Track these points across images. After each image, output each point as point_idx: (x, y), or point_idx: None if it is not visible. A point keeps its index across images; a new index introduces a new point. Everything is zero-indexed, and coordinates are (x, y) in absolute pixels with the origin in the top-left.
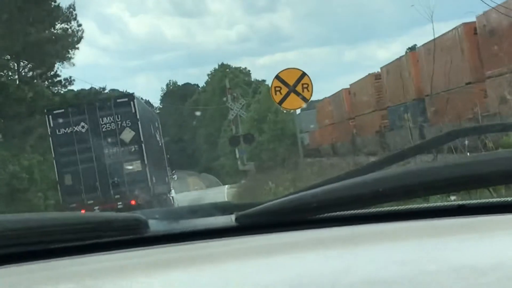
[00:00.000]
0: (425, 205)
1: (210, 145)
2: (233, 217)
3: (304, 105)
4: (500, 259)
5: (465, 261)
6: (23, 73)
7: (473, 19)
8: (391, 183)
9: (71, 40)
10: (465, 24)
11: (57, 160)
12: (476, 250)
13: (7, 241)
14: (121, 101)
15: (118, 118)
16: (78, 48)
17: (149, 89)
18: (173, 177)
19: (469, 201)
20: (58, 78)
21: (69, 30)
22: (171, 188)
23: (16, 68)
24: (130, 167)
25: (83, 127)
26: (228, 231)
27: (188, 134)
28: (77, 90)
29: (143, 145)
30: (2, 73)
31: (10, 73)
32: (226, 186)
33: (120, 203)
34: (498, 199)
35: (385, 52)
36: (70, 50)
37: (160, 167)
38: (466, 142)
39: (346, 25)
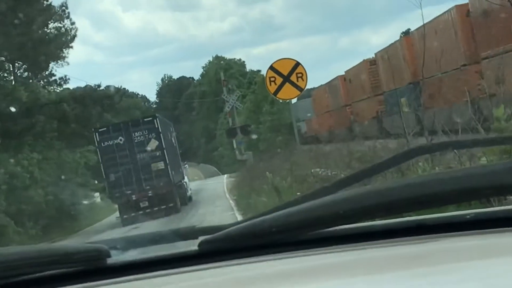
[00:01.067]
0: (383, 222)
1: (207, 137)
2: (196, 242)
3: (299, 94)
4: None
5: None
6: (18, 74)
7: (466, 0)
8: (350, 204)
9: (65, 39)
10: (457, 6)
11: (103, 164)
12: None
13: None
14: (147, 120)
15: (145, 132)
16: (72, 47)
17: (144, 84)
18: (185, 166)
19: (430, 215)
20: (54, 78)
21: (62, 29)
22: (184, 176)
23: (11, 69)
24: (156, 167)
25: (121, 140)
26: (191, 258)
27: (185, 127)
28: (73, 88)
29: (164, 150)
30: None
31: (5, 74)
32: (225, 175)
33: (150, 192)
34: (455, 214)
35: (379, 37)
36: (64, 49)
37: (176, 162)
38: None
39: (339, 12)
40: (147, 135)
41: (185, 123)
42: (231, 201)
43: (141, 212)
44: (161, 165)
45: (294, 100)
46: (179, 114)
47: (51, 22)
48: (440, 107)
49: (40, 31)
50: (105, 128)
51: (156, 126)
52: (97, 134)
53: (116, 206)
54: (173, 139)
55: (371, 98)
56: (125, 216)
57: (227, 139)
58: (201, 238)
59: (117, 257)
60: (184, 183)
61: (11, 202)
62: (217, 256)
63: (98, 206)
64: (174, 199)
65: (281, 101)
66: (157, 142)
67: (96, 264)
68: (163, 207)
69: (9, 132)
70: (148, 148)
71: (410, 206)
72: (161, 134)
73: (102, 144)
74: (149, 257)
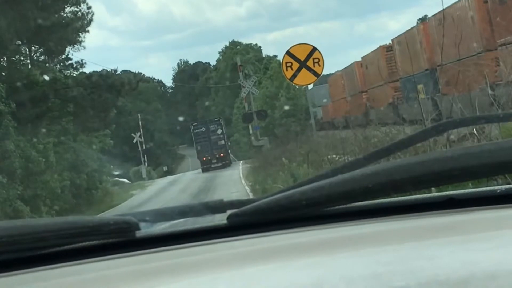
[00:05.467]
0: (414, 197)
1: (223, 121)
2: (225, 216)
3: (315, 80)
4: (472, 273)
5: (437, 274)
6: (34, 58)
7: None
8: (380, 178)
9: (81, 23)
10: None
11: (195, 141)
12: (453, 259)
13: (1, 248)
14: (216, 120)
15: (215, 125)
16: (88, 31)
17: (161, 69)
18: (229, 144)
19: (459, 191)
20: (70, 62)
21: (79, 13)
22: (228, 149)
23: (27, 52)
24: (219, 143)
25: (203, 128)
26: (220, 231)
27: (201, 112)
28: (89, 73)
29: (224, 134)
30: (14, 58)
31: (22, 58)
32: (241, 161)
33: (216, 155)
34: (489, 189)
35: (396, 23)
36: (80, 33)
37: (226, 141)
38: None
39: None
40: (216, 126)
41: (201, 108)
42: (247, 187)
43: (212, 165)
44: (221, 142)
45: (310, 86)
46: (195, 99)
47: (68, 6)
48: (458, 94)
49: (56, 15)
50: (196, 123)
51: (220, 122)
52: (192, 126)
53: (131, 192)
54: (224, 129)
55: (387, 84)
56: (204, 167)
57: (243, 124)
58: (229, 212)
59: (146, 230)
60: (228, 151)
61: (26, 187)
62: (246, 229)
63: (114, 191)
64: (228, 159)
65: (297, 87)
66: (220, 130)
67: (125, 237)
68: (222, 163)
69: (24, 116)
70: (217, 133)
71: (440, 180)
72: (223, 128)
73: (194, 130)
74: (178, 230)
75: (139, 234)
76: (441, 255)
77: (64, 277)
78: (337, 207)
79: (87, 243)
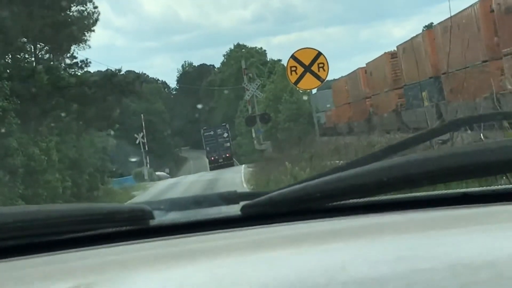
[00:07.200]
0: (429, 193)
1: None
2: (238, 207)
3: (319, 84)
4: (497, 256)
5: (460, 258)
6: (39, 56)
7: None
8: (395, 172)
9: (87, 22)
10: (481, 2)
11: (204, 143)
12: (473, 245)
13: (12, 233)
14: (223, 125)
15: (222, 130)
16: (94, 30)
17: (165, 70)
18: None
19: (473, 189)
20: (75, 60)
21: (85, 12)
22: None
23: (32, 50)
24: (225, 145)
25: (211, 133)
26: (233, 221)
27: (204, 115)
28: (94, 72)
29: (229, 138)
30: (18, 55)
31: (26, 56)
32: (243, 165)
33: (223, 155)
34: (504, 187)
35: (401, 30)
36: (86, 32)
37: (230, 144)
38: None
39: (362, 3)
40: (222, 131)
41: (204, 111)
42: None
43: (218, 163)
44: (227, 144)
45: (314, 91)
46: (198, 101)
47: (74, 5)
48: (462, 102)
49: (63, 14)
50: (206, 127)
51: (226, 127)
52: (202, 129)
53: (133, 193)
54: (229, 133)
55: (391, 91)
56: (211, 165)
57: (246, 127)
58: (242, 203)
59: (160, 219)
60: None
61: (27, 186)
62: (259, 220)
63: (115, 192)
64: (232, 160)
65: (301, 91)
66: (226, 134)
67: (139, 224)
68: (227, 162)
69: (28, 114)
70: (223, 136)
71: (455, 176)
72: (228, 132)
73: (204, 134)
74: (192, 219)
75: (153, 222)
76: (464, 241)
77: (80, 260)
78: (351, 200)
79: (101, 230)
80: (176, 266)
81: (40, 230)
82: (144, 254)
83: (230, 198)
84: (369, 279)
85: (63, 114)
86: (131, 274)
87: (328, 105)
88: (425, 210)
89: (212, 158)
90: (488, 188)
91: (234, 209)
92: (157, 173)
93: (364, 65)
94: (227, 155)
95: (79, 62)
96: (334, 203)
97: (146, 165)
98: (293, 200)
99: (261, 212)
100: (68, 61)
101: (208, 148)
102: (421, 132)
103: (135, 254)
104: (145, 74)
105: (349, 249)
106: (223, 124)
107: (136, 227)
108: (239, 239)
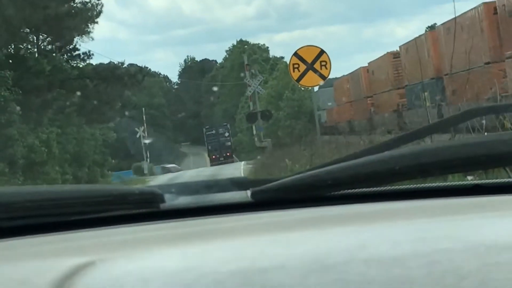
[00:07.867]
0: (440, 183)
1: (227, 121)
2: (249, 192)
3: (322, 82)
4: None
5: (481, 240)
6: (42, 46)
7: None
8: (407, 161)
9: (90, 14)
10: (485, 3)
11: (206, 141)
12: (492, 229)
13: (26, 212)
14: (224, 124)
15: (223, 129)
16: (97, 22)
17: (167, 64)
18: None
19: (485, 180)
20: (77, 52)
21: (89, 4)
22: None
23: (35, 41)
24: (226, 144)
25: (213, 132)
26: (244, 206)
27: (205, 110)
28: (96, 64)
29: (230, 137)
30: (21, 46)
31: (29, 46)
32: (243, 162)
33: (223, 153)
34: None
35: (404, 30)
36: (89, 24)
37: (231, 143)
38: (484, 121)
39: (365, 2)
40: (224, 130)
41: (206, 106)
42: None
43: (219, 161)
44: (228, 143)
45: (315, 89)
46: (200, 96)
47: None
48: (464, 103)
49: (66, 5)
50: (208, 126)
51: (228, 127)
52: (204, 129)
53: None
54: (230, 132)
55: (392, 90)
56: (213, 163)
57: (247, 123)
58: (252, 189)
59: (171, 202)
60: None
61: (27, 178)
62: (269, 205)
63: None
64: (232, 157)
65: (303, 88)
66: (227, 133)
67: (150, 207)
68: (228, 160)
69: (29, 105)
70: (225, 135)
71: (467, 166)
72: (229, 131)
73: (206, 133)
74: (203, 203)
75: (163, 206)
76: (483, 224)
77: (94, 238)
78: (362, 189)
79: (111, 212)
80: (195, 244)
81: (50, 210)
82: (160, 233)
83: (240, 183)
84: (390, 257)
85: (64, 106)
86: (149, 251)
87: (329, 103)
88: (437, 198)
89: (214, 157)
90: (500, 180)
91: (244, 195)
92: (167, 165)
93: (366, 64)
94: (228, 153)
95: (81, 54)
96: (346, 191)
97: (146, 160)
98: (305, 186)
99: (273, 197)
100: (70, 52)
101: (210, 147)
102: (435, 121)
103: (151, 233)
104: (147, 67)
105: (368, 231)
106: (224, 124)
107: (147, 210)
108: (254, 221)
